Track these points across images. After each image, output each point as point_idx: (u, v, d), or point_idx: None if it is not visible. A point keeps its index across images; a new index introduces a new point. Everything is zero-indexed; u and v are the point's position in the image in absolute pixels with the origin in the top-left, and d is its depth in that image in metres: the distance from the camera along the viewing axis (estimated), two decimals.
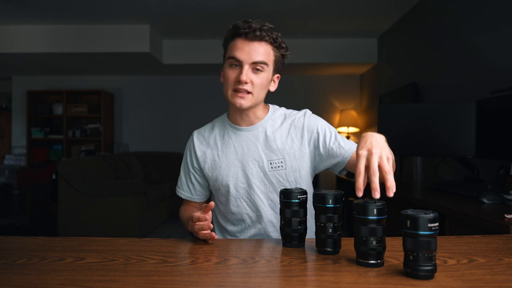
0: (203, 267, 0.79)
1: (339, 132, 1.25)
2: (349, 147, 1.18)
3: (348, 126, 5.21)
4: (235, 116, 1.23)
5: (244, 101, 1.14)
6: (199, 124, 1.39)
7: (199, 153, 1.26)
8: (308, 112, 1.26)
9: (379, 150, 0.82)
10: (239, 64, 1.12)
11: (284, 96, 3.64)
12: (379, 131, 2.49)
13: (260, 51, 1.12)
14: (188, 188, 1.30)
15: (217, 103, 5.58)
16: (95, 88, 5.67)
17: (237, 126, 1.24)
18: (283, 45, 1.17)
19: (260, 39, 1.12)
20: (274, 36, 1.14)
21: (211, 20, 4.11)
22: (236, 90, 1.13)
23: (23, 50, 4.36)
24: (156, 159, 5.33)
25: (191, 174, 1.29)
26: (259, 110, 1.23)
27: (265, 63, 1.13)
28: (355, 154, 1.12)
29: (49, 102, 5.73)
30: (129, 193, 3.65)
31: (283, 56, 1.19)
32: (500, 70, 2.33)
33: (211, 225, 0.97)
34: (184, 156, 1.32)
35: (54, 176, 4.32)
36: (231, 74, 1.14)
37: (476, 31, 2.61)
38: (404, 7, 3.70)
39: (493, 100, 2.02)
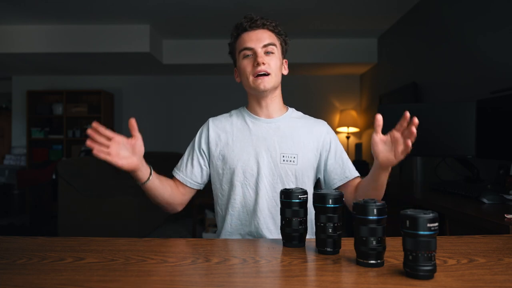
0: (203, 267, 0.79)
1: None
2: (350, 172, 1.28)
3: (348, 126, 5.20)
4: (254, 107, 1.29)
5: (266, 83, 1.21)
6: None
7: (212, 135, 1.28)
8: (325, 122, 1.35)
9: None
10: (252, 53, 1.22)
11: (283, 96, 3.63)
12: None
13: (265, 36, 1.24)
14: (185, 169, 1.30)
15: (217, 103, 5.60)
16: (95, 88, 5.66)
17: (255, 116, 1.28)
18: (282, 32, 1.29)
19: (263, 26, 1.24)
20: (274, 24, 1.26)
21: (211, 20, 4.11)
22: (256, 76, 1.21)
23: (23, 50, 4.35)
24: (156, 159, 5.28)
25: (194, 154, 1.30)
26: (278, 102, 1.29)
27: (274, 44, 1.24)
28: (352, 183, 1.26)
29: (49, 102, 5.73)
30: (129, 193, 3.65)
31: (285, 41, 1.30)
32: (500, 70, 2.33)
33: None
34: (193, 140, 1.33)
35: (54, 176, 4.32)
36: (247, 63, 1.23)
37: (476, 31, 2.60)
38: (404, 7, 3.70)
39: (493, 100, 2.02)
